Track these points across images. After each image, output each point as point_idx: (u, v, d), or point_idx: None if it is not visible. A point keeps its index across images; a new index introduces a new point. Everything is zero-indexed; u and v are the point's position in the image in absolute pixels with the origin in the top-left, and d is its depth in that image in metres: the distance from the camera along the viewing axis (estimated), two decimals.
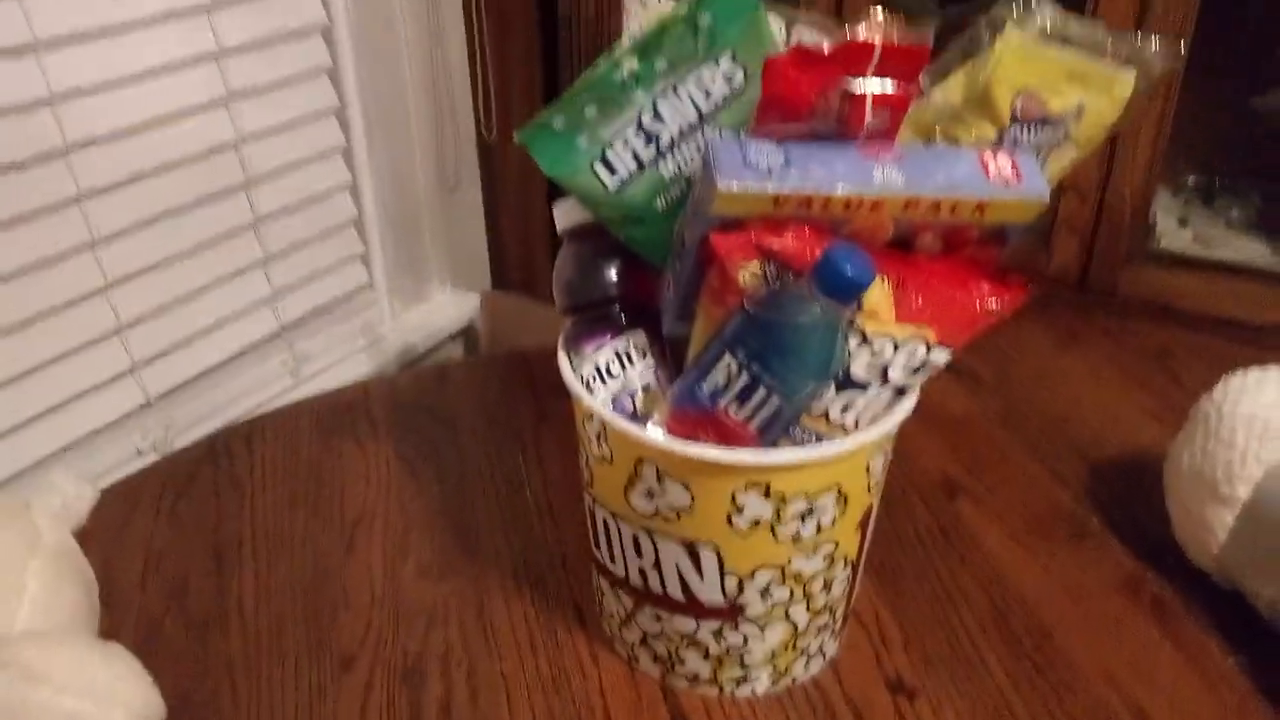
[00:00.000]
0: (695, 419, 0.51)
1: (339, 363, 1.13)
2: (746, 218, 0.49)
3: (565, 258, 0.60)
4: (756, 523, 0.53)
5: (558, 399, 0.96)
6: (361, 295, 1.16)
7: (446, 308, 1.29)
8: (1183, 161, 1.15)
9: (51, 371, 0.84)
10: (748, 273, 0.50)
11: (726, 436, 0.50)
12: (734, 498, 0.52)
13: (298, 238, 1.04)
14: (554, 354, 1.01)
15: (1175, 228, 1.11)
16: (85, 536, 0.76)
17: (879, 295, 0.50)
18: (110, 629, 0.67)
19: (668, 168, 0.54)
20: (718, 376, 0.50)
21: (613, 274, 0.58)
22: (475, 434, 0.89)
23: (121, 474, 0.86)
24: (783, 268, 0.50)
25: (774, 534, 0.53)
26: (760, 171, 0.48)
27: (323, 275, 1.09)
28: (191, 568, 0.73)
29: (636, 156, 0.54)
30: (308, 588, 0.71)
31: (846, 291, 0.47)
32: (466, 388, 0.97)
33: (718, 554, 0.54)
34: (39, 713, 0.44)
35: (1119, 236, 1.05)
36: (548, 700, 0.62)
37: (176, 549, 0.75)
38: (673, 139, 0.54)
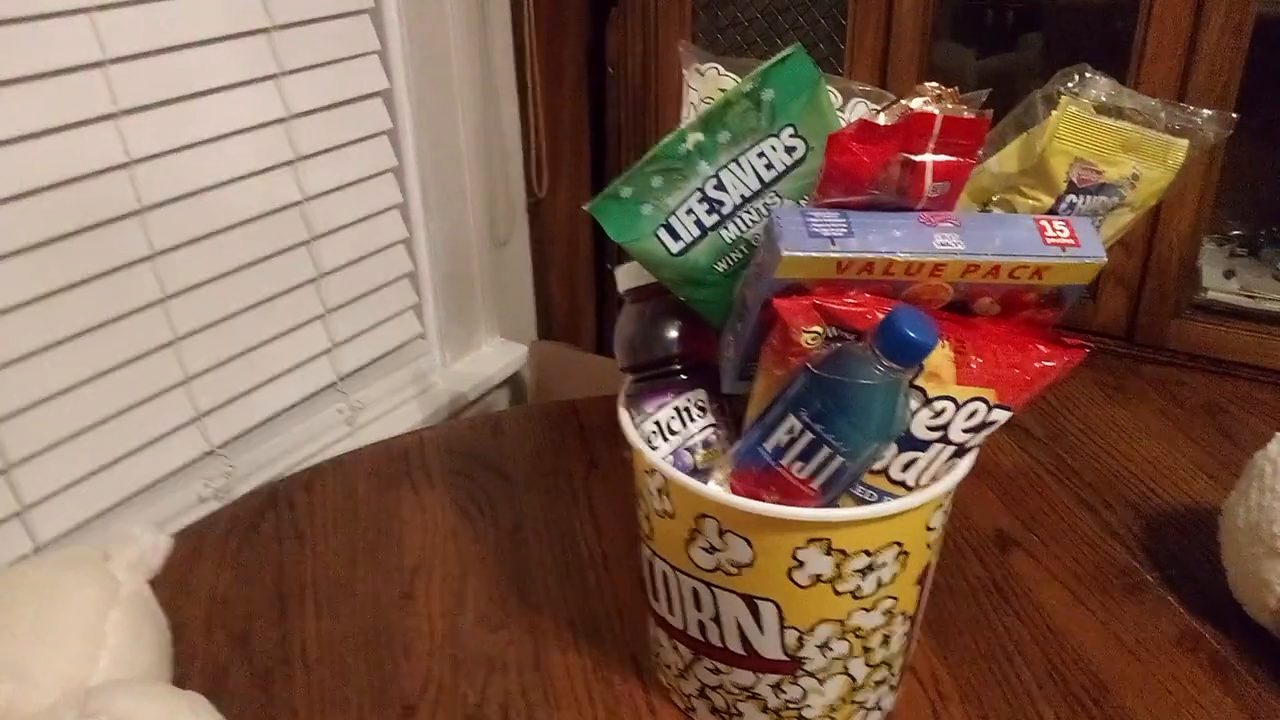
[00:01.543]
0: (758, 476, 0.53)
1: (392, 410, 1.15)
2: (809, 282, 0.51)
3: (627, 318, 0.62)
4: (817, 578, 0.54)
5: (608, 447, 0.98)
6: (414, 345, 1.19)
7: (495, 357, 1.31)
8: (1227, 213, 1.15)
9: (121, 422, 0.87)
10: (809, 335, 0.51)
11: (789, 494, 0.52)
12: (795, 554, 0.53)
13: (356, 291, 1.08)
14: (601, 402, 1.04)
15: (1221, 280, 1.11)
16: (151, 583, 0.78)
17: (940, 357, 0.51)
18: (178, 677, 0.69)
19: (729, 233, 0.56)
20: (780, 435, 0.51)
21: (673, 333, 0.60)
22: (528, 483, 0.91)
23: (185, 521, 0.88)
24: (844, 330, 0.51)
25: (834, 589, 0.54)
26: (823, 238, 0.50)
27: (379, 327, 1.12)
28: (255, 615, 0.75)
29: (699, 222, 0.56)
30: (369, 636, 0.73)
31: (909, 354, 0.48)
32: (518, 436, 0.99)
33: (778, 608, 0.55)
34: None
35: (1166, 288, 1.06)
36: None
37: (240, 596, 0.77)
38: (735, 206, 0.56)
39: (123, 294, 0.85)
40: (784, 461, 0.51)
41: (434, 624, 0.74)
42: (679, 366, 0.60)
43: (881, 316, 0.50)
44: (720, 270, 0.57)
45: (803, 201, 0.55)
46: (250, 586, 0.78)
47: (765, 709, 0.60)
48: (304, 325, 1.03)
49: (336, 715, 0.67)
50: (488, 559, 0.81)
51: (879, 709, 0.63)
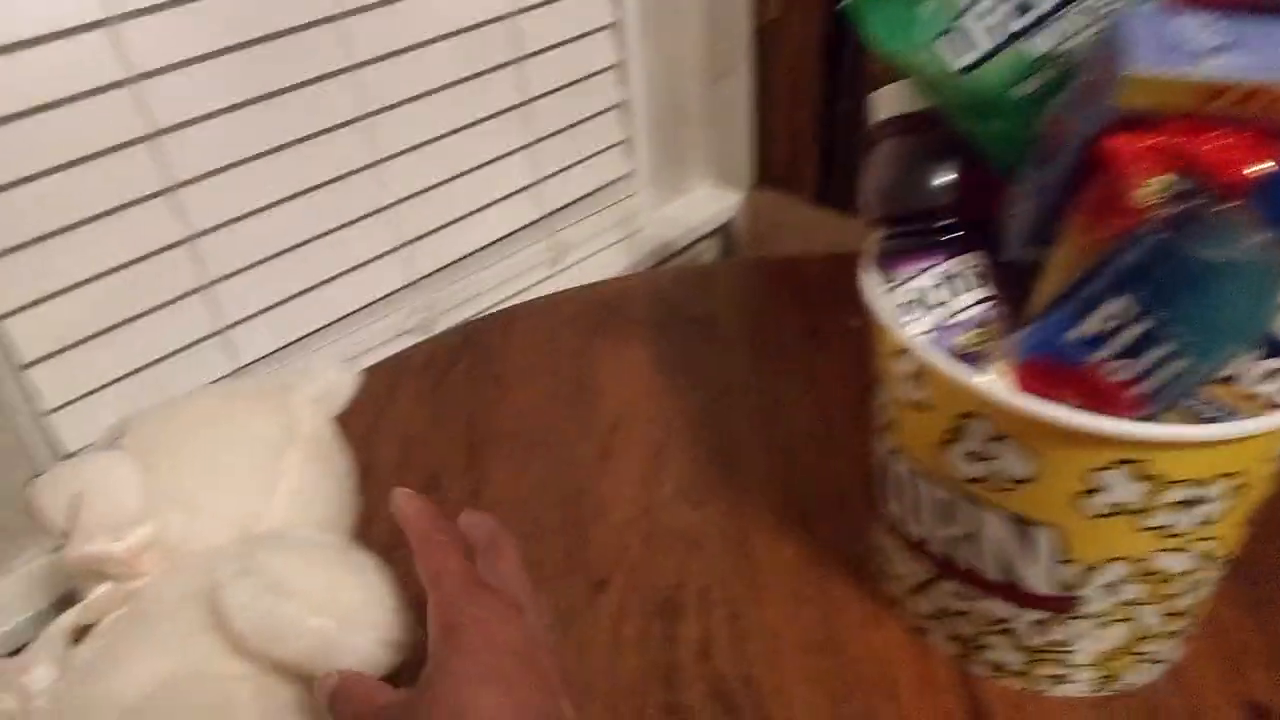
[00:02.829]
0: (1054, 371, 0.40)
1: (596, 254, 1.08)
2: (1160, 114, 0.37)
3: (884, 156, 0.49)
4: (1118, 508, 0.42)
5: (832, 313, 0.87)
6: (622, 184, 1.10)
7: (706, 202, 1.20)
8: None
9: (322, 245, 0.83)
10: (1152, 188, 0.37)
11: (1097, 398, 0.39)
12: (1093, 475, 0.41)
13: (564, 121, 0.99)
14: (827, 261, 0.92)
15: None
16: (346, 415, 0.75)
17: None
18: (363, 521, 0.66)
19: (1041, 42, 0.42)
20: (1098, 322, 0.38)
21: (945, 178, 0.47)
22: (739, 344, 0.81)
23: (383, 353, 0.85)
24: (1206, 185, 0.37)
25: (1139, 524, 0.42)
26: (1188, 52, 0.35)
27: (586, 161, 1.03)
28: (447, 459, 0.71)
29: (999, 28, 0.42)
30: (562, 495, 0.67)
31: None
32: (731, 291, 0.89)
33: (1058, 538, 0.44)
34: (284, 626, 0.41)
35: None
36: (820, 662, 0.55)
37: (433, 438, 0.73)
38: (1053, 5, 0.42)
39: (322, 107, 0.79)
40: (1098, 356, 0.39)
41: (631, 491, 0.67)
42: (949, 221, 0.47)
43: (1264, 167, 0.36)
44: (1020, 95, 0.43)
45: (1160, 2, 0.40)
46: (442, 429, 0.74)
47: (1020, 647, 0.50)
48: (509, 154, 0.95)
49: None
50: (691, 424, 0.73)
51: (1163, 662, 0.52)
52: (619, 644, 0.57)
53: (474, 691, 0.38)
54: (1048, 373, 0.41)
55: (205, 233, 0.76)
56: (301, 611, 0.40)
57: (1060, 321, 0.40)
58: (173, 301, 0.76)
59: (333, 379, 0.56)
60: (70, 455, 0.73)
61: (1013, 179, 0.46)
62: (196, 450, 0.49)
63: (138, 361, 0.75)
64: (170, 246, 0.74)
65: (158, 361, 0.76)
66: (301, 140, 0.79)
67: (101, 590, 0.44)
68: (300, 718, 0.42)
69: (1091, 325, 0.39)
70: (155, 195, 0.72)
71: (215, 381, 0.80)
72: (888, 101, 0.49)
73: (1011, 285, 0.48)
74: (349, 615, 0.42)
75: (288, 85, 0.76)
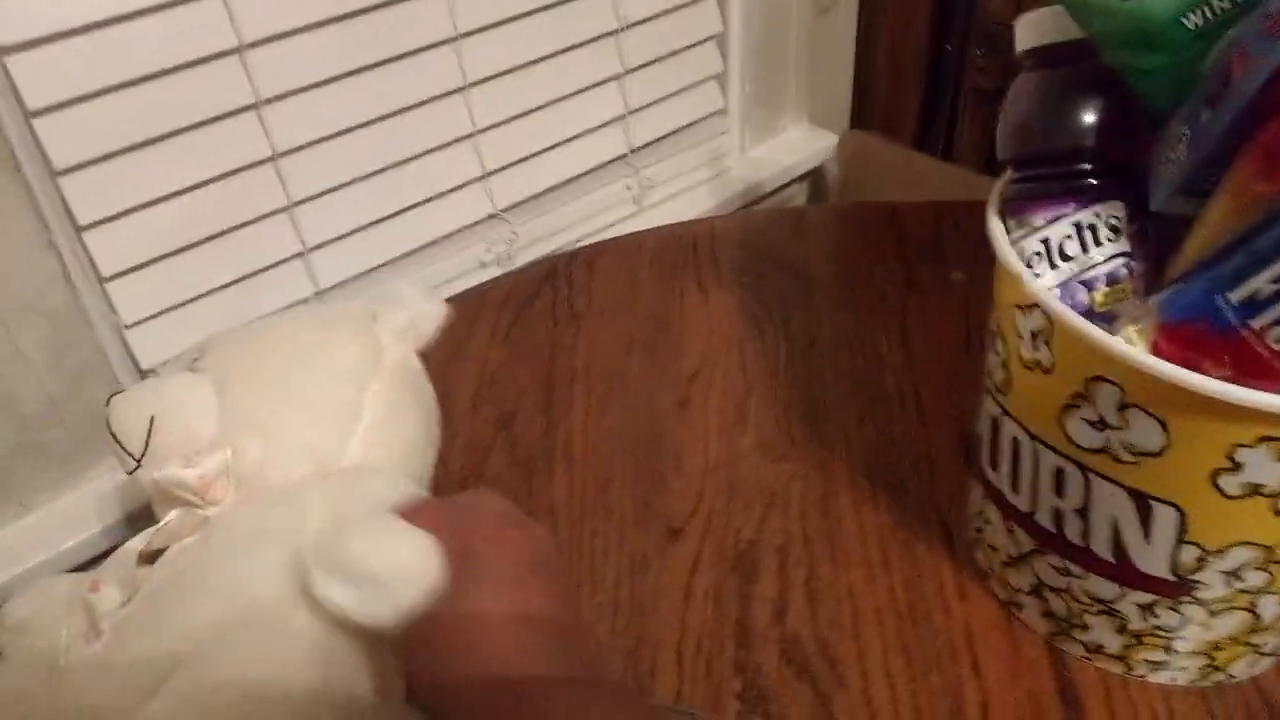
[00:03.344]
0: (1203, 337, 0.36)
1: (683, 192, 1.04)
2: None
3: (1024, 89, 0.45)
4: (1255, 489, 0.38)
5: (931, 266, 0.82)
6: (714, 122, 1.06)
7: (800, 144, 1.16)
8: None
9: (406, 170, 0.81)
10: None
11: (1249, 369, 0.35)
12: (1233, 453, 0.37)
13: (658, 51, 0.95)
14: (927, 210, 0.87)
15: None
16: (424, 350, 0.74)
17: None
18: (440, 451, 0.65)
19: None
20: (1262, 282, 0.34)
21: (1090, 116, 0.43)
22: (830, 293, 0.77)
23: (465, 284, 0.84)
24: None
25: (1276, 507, 0.38)
26: None
27: (678, 95, 0.99)
28: (523, 397, 0.69)
29: None
30: (639, 441, 0.65)
31: None
32: (824, 237, 0.85)
33: (1181, 517, 0.40)
34: (380, 615, 0.39)
35: None
36: (902, 632, 0.52)
37: (509, 374, 0.71)
38: None
39: (410, 29, 0.77)
40: (1258, 322, 0.34)
41: (710, 440, 0.65)
42: (1090, 165, 0.43)
43: None
44: (1190, 26, 0.38)
45: None
46: (521, 365, 0.72)
47: (1122, 629, 0.46)
48: (599, 85, 0.92)
49: (597, 522, 0.60)
50: (777, 375, 0.70)
51: (1275, 654, 0.48)
52: (691, 595, 0.55)
53: (490, 602, 0.38)
54: (1192, 338, 0.37)
55: (289, 152, 0.74)
56: (395, 600, 0.38)
57: (1215, 281, 0.36)
58: (255, 221, 0.75)
59: (421, 308, 0.54)
60: (148, 373, 0.73)
61: (1168, 122, 0.41)
62: (276, 376, 0.47)
63: (218, 280, 0.74)
64: (255, 164, 0.73)
65: (238, 281, 0.76)
66: (388, 61, 0.77)
67: (173, 516, 0.43)
68: (358, 678, 0.40)
69: (1252, 287, 0.34)
70: (242, 110, 0.71)
71: (295, 305, 0.79)
72: (1033, 28, 0.44)
73: (1154, 240, 0.43)
74: (386, 573, 0.39)
75: (377, 3, 0.74)
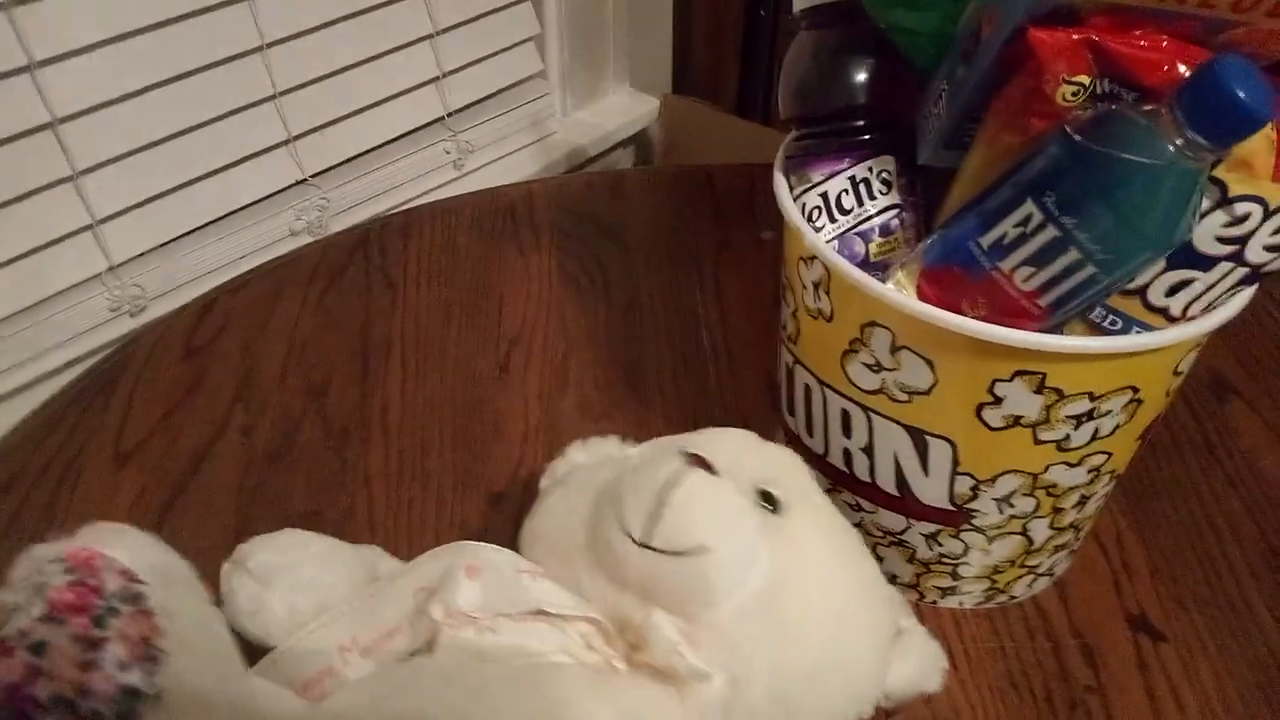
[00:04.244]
0: (960, 280, 0.39)
1: (503, 157, 1.03)
2: (1086, 8, 0.35)
3: (800, 50, 0.46)
4: (1015, 420, 0.41)
5: (744, 226, 0.85)
6: (533, 84, 1.05)
7: (622, 108, 1.16)
8: None
9: (202, 135, 0.77)
10: (1072, 87, 0.36)
11: (1002, 308, 0.38)
12: (993, 387, 0.40)
13: (471, 10, 0.93)
14: (741, 172, 0.89)
15: None
16: (228, 319, 0.71)
17: (1260, 140, 0.35)
18: (247, 425, 0.62)
19: None
20: (1007, 228, 0.37)
21: (862, 75, 0.45)
22: (648, 255, 0.79)
23: (273, 253, 0.80)
24: (1124, 85, 0.36)
25: (1035, 436, 0.42)
26: None
27: (494, 57, 0.98)
28: (335, 367, 0.67)
29: None
30: (458, 407, 0.64)
31: (1229, 126, 0.32)
32: (642, 201, 0.86)
33: (953, 450, 0.43)
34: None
35: None
36: None
37: (321, 344, 0.69)
38: None
39: None
40: (1005, 264, 0.37)
41: (530, 404, 0.65)
42: (863, 122, 0.45)
43: (1184, 68, 0.35)
44: None
45: None
46: (333, 335, 0.70)
47: (912, 559, 0.49)
48: (411, 44, 0.89)
49: (414, 489, 0.59)
50: (595, 337, 0.70)
51: (1050, 575, 0.52)
52: None
53: None
54: (952, 281, 0.39)
55: (71, 117, 0.69)
56: None
57: (968, 228, 0.38)
58: (34, 193, 0.69)
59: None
60: None
61: (930, 79, 0.43)
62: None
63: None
64: (31, 131, 0.67)
65: (20, 258, 0.70)
66: (181, 18, 0.72)
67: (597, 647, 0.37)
68: None
69: (1001, 230, 0.37)
70: (13, 73, 0.65)
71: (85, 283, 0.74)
72: None
73: (923, 192, 0.46)
74: None
75: None
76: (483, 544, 0.40)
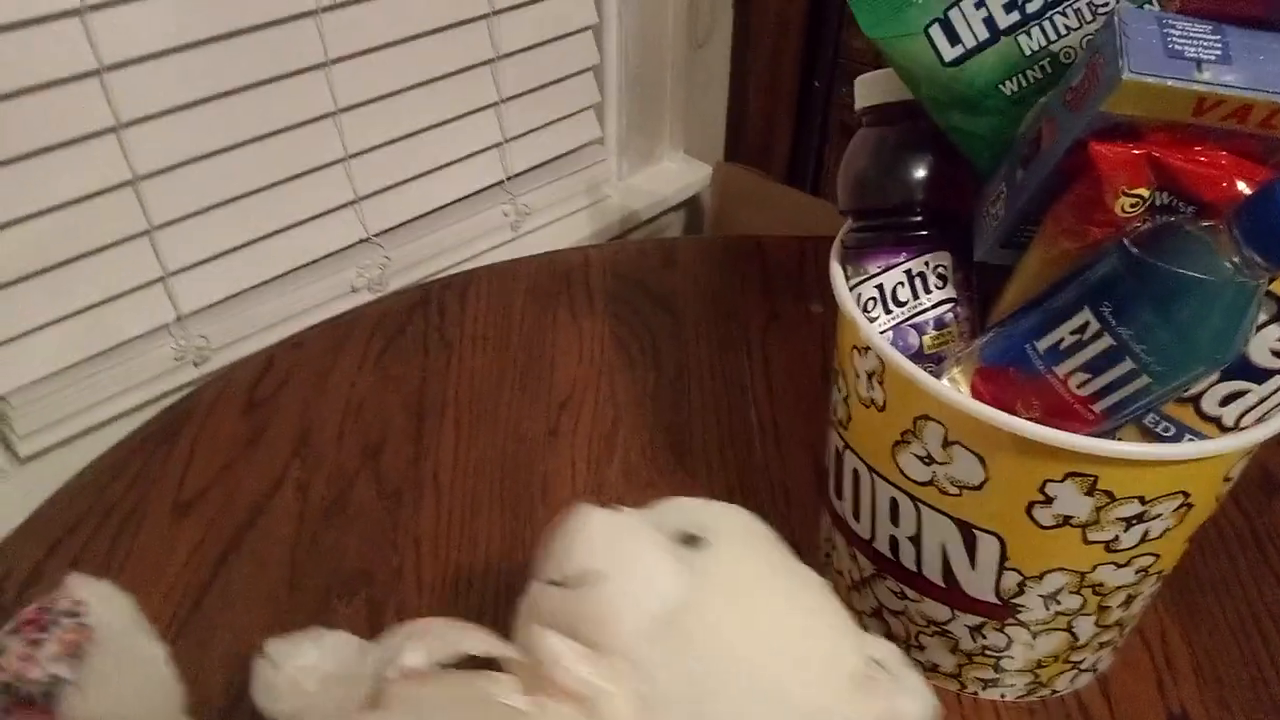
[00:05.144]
0: (1015, 381, 0.40)
1: (560, 220, 1.05)
2: (1146, 124, 0.36)
3: (862, 145, 0.48)
4: (1066, 520, 0.41)
5: (793, 298, 0.86)
6: (591, 150, 1.08)
7: (676, 174, 1.18)
8: None
9: (273, 194, 0.80)
10: (1132, 199, 0.36)
11: (1056, 411, 0.39)
12: (1045, 487, 0.40)
13: (535, 81, 0.96)
14: (791, 243, 0.90)
15: None
16: (289, 375, 0.73)
17: None
18: (301, 482, 0.64)
19: (1032, 40, 0.41)
20: (1064, 333, 0.37)
21: (921, 172, 0.46)
22: (698, 324, 0.80)
23: (333, 310, 0.83)
24: (1183, 199, 0.36)
25: (1084, 536, 0.42)
26: (1187, 60, 0.34)
27: (555, 124, 1.01)
28: (391, 426, 0.69)
29: (991, 20, 0.41)
30: (507, 469, 0.66)
31: None
32: (693, 269, 0.87)
33: (1002, 546, 0.43)
34: None
35: None
36: None
37: (378, 402, 0.71)
38: (1045, 3, 0.40)
39: (280, 51, 0.76)
40: (1061, 369, 0.38)
41: (577, 469, 0.66)
42: (921, 218, 0.46)
43: (1245, 186, 0.35)
44: (1007, 92, 0.42)
45: (1155, 4, 0.39)
46: (390, 394, 0.72)
47: (955, 649, 0.49)
48: (476, 112, 0.92)
49: (464, 553, 0.60)
50: (644, 405, 0.71)
51: (1093, 670, 0.52)
52: None
53: None
54: (1006, 381, 0.40)
55: (152, 175, 0.72)
56: None
57: (1025, 330, 0.39)
58: (113, 245, 0.72)
59: None
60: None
61: (990, 179, 0.45)
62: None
63: (72, 306, 0.72)
64: (113, 188, 0.71)
65: (93, 306, 0.73)
66: (255, 85, 0.76)
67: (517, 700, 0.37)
68: None
69: (1057, 336, 0.38)
70: (101, 133, 0.69)
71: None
72: (871, 88, 0.47)
73: (978, 288, 0.47)
74: None
75: (246, 26, 0.73)
76: (437, 619, 0.42)
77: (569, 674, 0.37)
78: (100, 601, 0.41)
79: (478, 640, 0.39)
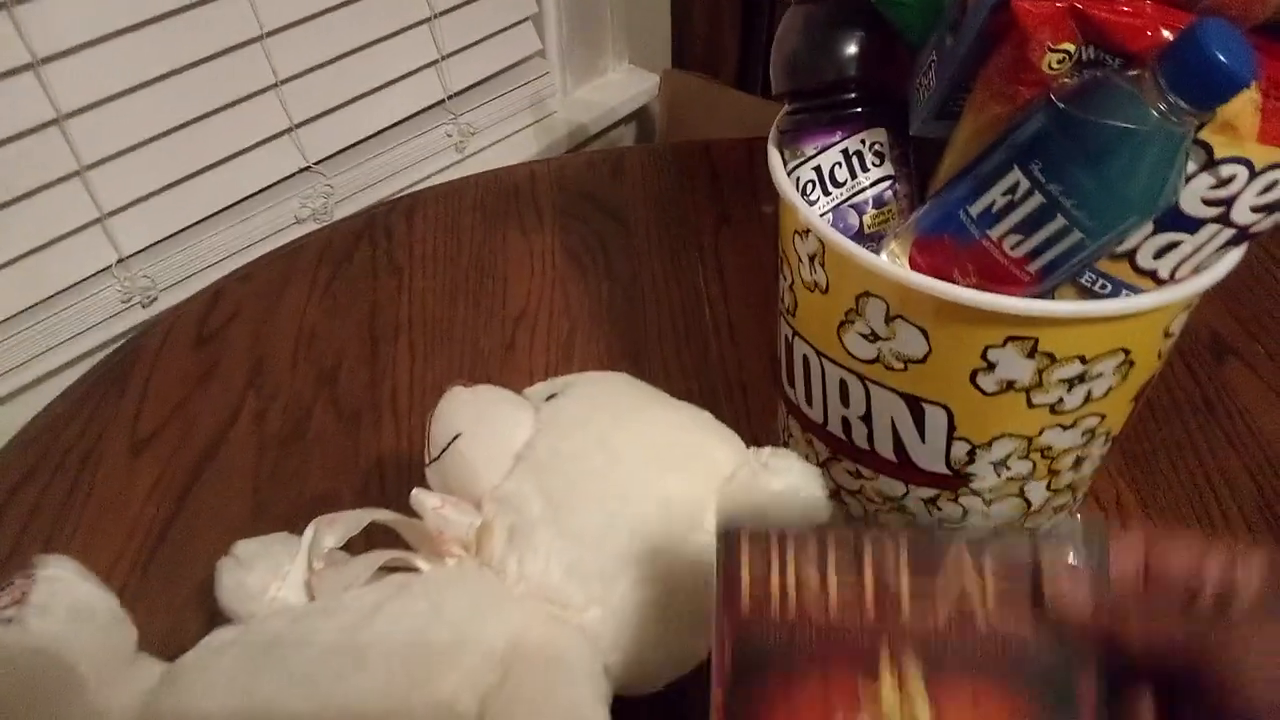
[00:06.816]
0: (951, 249, 0.40)
1: (505, 138, 1.04)
2: None
3: (792, 24, 0.47)
4: (1009, 385, 0.42)
5: (744, 200, 0.85)
6: (532, 64, 1.05)
7: (622, 85, 1.17)
8: None
9: (205, 127, 0.78)
10: (1057, 55, 0.36)
11: (992, 275, 0.39)
12: (986, 353, 0.41)
13: None
14: (740, 146, 0.89)
15: None
16: (238, 308, 0.72)
17: (1243, 102, 0.36)
18: (257, 412, 0.64)
19: None
20: (995, 196, 0.37)
21: (853, 48, 0.45)
22: (649, 232, 0.79)
23: (279, 241, 0.81)
24: (1109, 52, 0.36)
25: (1028, 400, 0.42)
26: None
27: (493, 38, 0.98)
28: (345, 352, 0.69)
29: None
30: None
31: (1211, 89, 0.33)
32: (642, 178, 0.86)
33: (949, 415, 0.44)
34: None
35: None
36: None
37: (330, 331, 0.70)
38: None
39: None
40: (994, 232, 0.38)
41: (536, 381, 0.66)
42: (855, 95, 0.45)
43: (1170, 35, 0.35)
44: None
45: None
46: (342, 321, 0.71)
47: (912, 524, 0.50)
48: (409, 29, 0.90)
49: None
50: (599, 314, 0.71)
51: None
52: None
53: None
54: (943, 250, 0.40)
55: (77, 113, 0.70)
56: None
57: (958, 197, 0.39)
58: (42, 189, 0.70)
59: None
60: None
61: (920, 51, 0.44)
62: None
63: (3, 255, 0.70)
64: (38, 128, 0.68)
65: (30, 253, 0.71)
66: (181, 10, 0.73)
67: (422, 565, 0.42)
68: None
69: (989, 199, 0.37)
70: (19, 70, 0.66)
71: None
72: None
73: (915, 163, 0.46)
74: None
75: None
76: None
77: (445, 521, 0.41)
78: (57, 568, 0.41)
79: (381, 513, 0.44)
